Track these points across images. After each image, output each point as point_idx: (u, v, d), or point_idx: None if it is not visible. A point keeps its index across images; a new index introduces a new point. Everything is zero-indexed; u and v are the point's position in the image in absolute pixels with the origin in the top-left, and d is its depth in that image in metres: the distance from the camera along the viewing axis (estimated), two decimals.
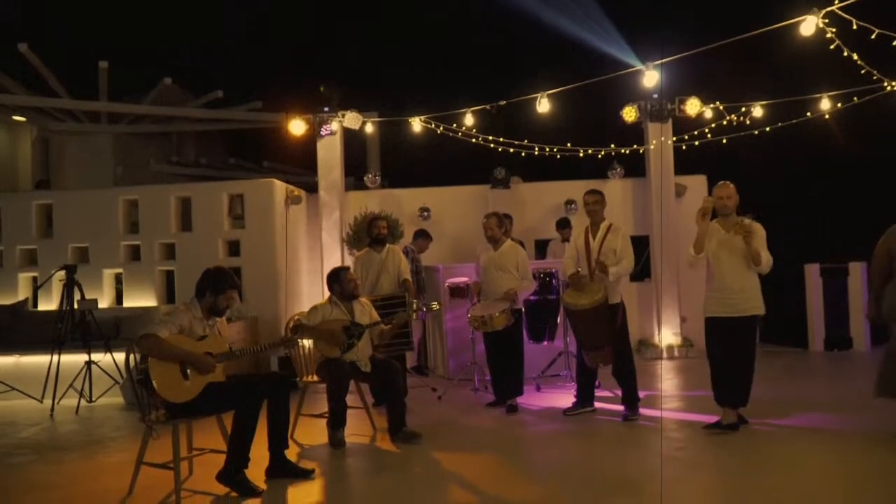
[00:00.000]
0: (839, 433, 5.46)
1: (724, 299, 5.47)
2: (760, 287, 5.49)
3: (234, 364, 4.85)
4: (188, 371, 4.45)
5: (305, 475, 4.76)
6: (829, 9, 5.57)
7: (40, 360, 7.54)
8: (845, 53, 6.17)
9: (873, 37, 5.86)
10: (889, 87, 7.33)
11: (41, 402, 7.43)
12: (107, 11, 14.22)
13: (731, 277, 5.43)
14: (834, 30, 5.82)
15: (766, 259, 5.34)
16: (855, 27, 5.70)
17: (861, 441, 5.23)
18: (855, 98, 7.93)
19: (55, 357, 7.30)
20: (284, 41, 15.68)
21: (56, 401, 7.25)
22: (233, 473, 4.49)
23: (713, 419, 5.64)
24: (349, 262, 9.14)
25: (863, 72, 6.72)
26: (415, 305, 6.57)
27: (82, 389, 7.37)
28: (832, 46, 6.06)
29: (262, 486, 4.56)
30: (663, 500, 4.01)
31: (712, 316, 5.56)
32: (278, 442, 4.78)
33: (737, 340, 5.45)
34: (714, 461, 4.94)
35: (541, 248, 10.28)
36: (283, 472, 4.74)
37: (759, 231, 5.38)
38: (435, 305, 6.30)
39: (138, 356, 4.43)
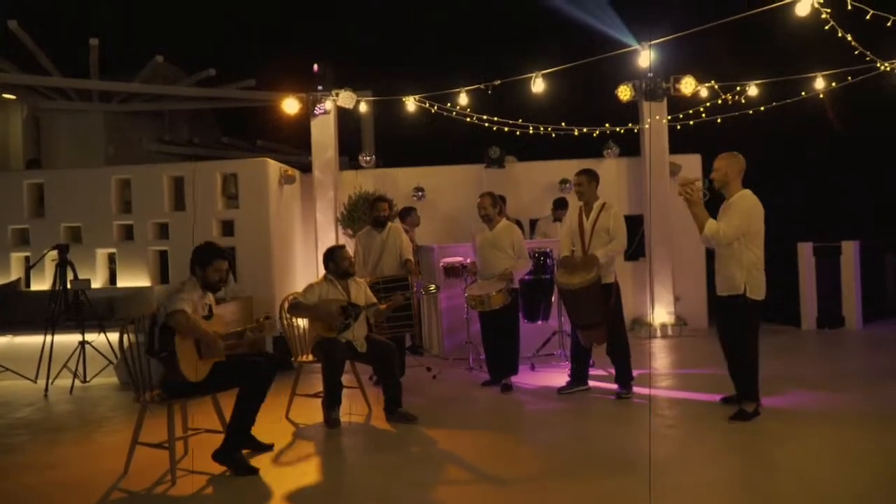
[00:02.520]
0: (831, 411, 5.52)
1: (716, 276, 5.43)
2: (742, 267, 5.16)
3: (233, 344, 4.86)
4: (202, 349, 4.48)
5: (266, 448, 4.83)
6: None
7: (34, 340, 7.53)
8: (840, 34, 6.15)
9: (868, 17, 5.84)
10: (883, 68, 7.31)
11: (35, 382, 7.44)
12: None
13: (717, 255, 5.38)
14: (829, 10, 5.79)
15: (713, 229, 5.08)
16: (850, 7, 5.68)
17: (852, 418, 5.29)
18: (849, 78, 7.92)
19: (49, 337, 7.29)
20: (278, 19, 15.51)
21: (50, 381, 7.25)
22: (231, 452, 4.52)
23: (707, 397, 5.70)
24: (343, 241, 9.14)
25: (856, 52, 6.69)
26: (413, 288, 6.61)
27: (76, 370, 7.37)
28: (827, 27, 6.03)
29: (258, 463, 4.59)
30: (654, 477, 4.06)
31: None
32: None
33: (724, 320, 5.48)
34: (705, 438, 4.99)
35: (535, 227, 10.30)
36: (247, 444, 4.79)
37: (738, 201, 5.18)
38: (432, 288, 6.35)
39: (157, 331, 4.40)
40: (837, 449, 4.67)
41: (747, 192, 5.26)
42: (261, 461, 4.68)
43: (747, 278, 5.18)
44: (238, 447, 4.55)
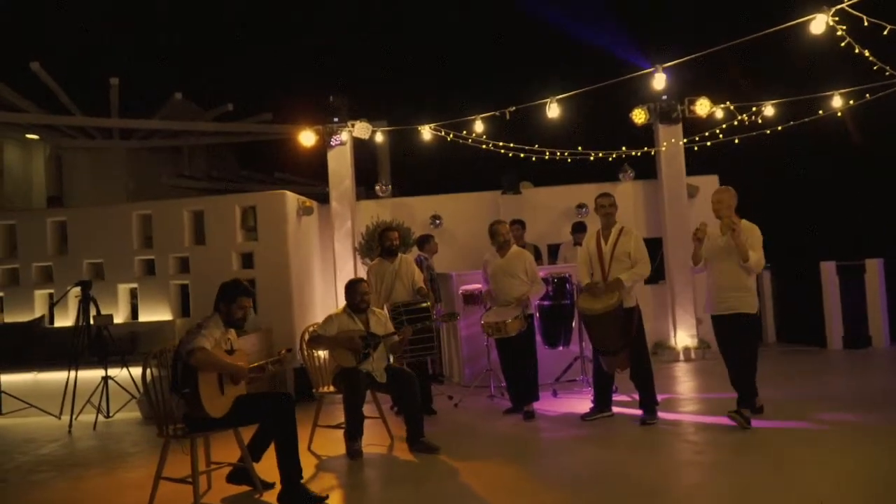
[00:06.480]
0: (862, 432, 5.39)
1: (718, 299, 5.72)
2: (754, 288, 5.70)
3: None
4: (224, 385, 4.49)
5: (268, 487, 4.78)
6: (838, 6, 5.52)
7: (57, 376, 7.58)
8: (857, 51, 6.11)
9: (885, 33, 5.82)
10: None
11: (59, 418, 7.47)
12: (116, 28, 14.35)
13: (724, 278, 5.67)
14: (844, 27, 5.77)
15: (755, 259, 5.54)
16: (866, 24, 5.65)
17: (886, 440, 5.16)
18: (867, 94, 7.86)
19: (72, 373, 7.33)
20: (293, 53, 15.76)
21: (74, 417, 7.28)
22: (298, 487, 4.51)
23: (732, 422, 5.61)
24: (362, 270, 9.16)
25: (875, 68, 6.65)
26: (434, 314, 6.59)
27: (99, 405, 7.40)
28: (843, 44, 6.01)
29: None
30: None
31: (713, 314, 5.83)
32: (259, 453, 4.84)
33: (734, 337, 5.68)
34: (734, 464, 4.88)
35: (554, 252, 10.25)
36: (246, 479, 4.78)
37: (754, 232, 5.64)
38: (454, 315, 6.41)
39: (179, 369, 4.40)
40: (870, 473, 4.55)
41: (750, 222, 5.70)
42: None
43: (755, 298, 5.67)
44: (300, 478, 4.55)
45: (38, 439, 6.88)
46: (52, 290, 9.31)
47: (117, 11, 14.11)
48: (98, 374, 7.44)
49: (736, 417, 5.57)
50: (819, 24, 5.67)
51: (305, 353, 5.90)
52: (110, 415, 7.50)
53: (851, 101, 8.17)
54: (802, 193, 12.41)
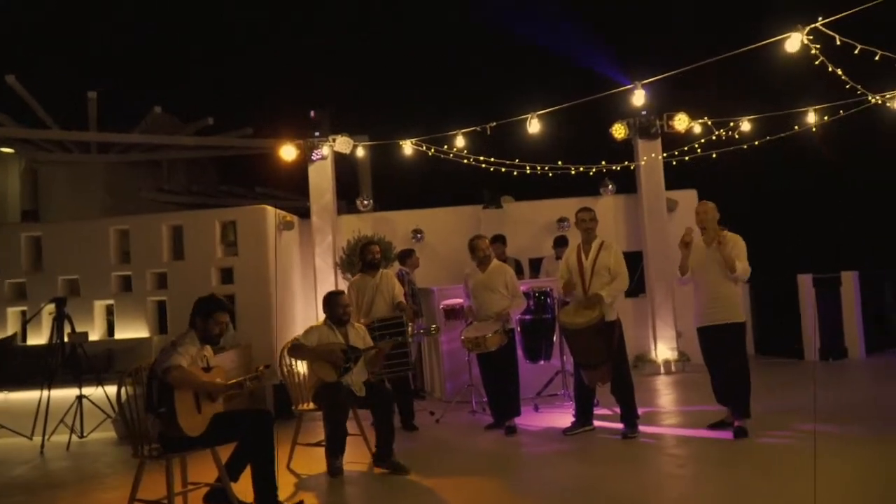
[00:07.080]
0: (844, 441, 5.43)
1: (705, 310, 5.79)
2: (741, 297, 5.86)
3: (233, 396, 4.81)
4: (201, 403, 4.42)
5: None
6: (812, 25, 5.64)
7: (30, 395, 7.41)
8: (830, 69, 6.25)
9: (856, 52, 5.95)
10: (873, 101, 7.40)
11: (31, 439, 7.29)
12: (95, 41, 14.24)
13: (711, 289, 5.74)
14: (818, 46, 5.89)
15: (742, 268, 5.63)
16: (839, 43, 5.78)
17: (867, 447, 5.20)
18: (840, 111, 8.00)
19: (45, 392, 7.17)
20: (274, 67, 15.74)
21: (46, 437, 7.11)
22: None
23: (715, 435, 5.64)
24: (343, 285, 9.10)
25: (847, 86, 6.80)
26: (411, 329, 6.55)
27: (73, 425, 7.25)
28: (817, 62, 6.13)
29: None
30: None
31: (699, 326, 5.88)
32: (237, 472, 4.76)
33: (723, 348, 5.72)
34: (716, 476, 4.90)
35: (535, 266, 10.27)
36: (223, 499, 4.69)
37: (739, 242, 5.72)
38: (434, 328, 6.36)
39: (155, 387, 4.32)
40: (855, 481, 4.57)
41: (733, 234, 5.80)
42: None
43: (742, 307, 5.82)
44: (276, 497, 4.51)
45: (8, 461, 6.72)
46: (25, 307, 9.13)
47: (95, 24, 14.02)
48: (72, 393, 7.29)
49: (736, 431, 5.60)
50: (794, 42, 5.78)
51: (285, 368, 5.84)
52: (84, 435, 7.35)
53: (826, 117, 8.30)
54: (779, 207, 12.57)
